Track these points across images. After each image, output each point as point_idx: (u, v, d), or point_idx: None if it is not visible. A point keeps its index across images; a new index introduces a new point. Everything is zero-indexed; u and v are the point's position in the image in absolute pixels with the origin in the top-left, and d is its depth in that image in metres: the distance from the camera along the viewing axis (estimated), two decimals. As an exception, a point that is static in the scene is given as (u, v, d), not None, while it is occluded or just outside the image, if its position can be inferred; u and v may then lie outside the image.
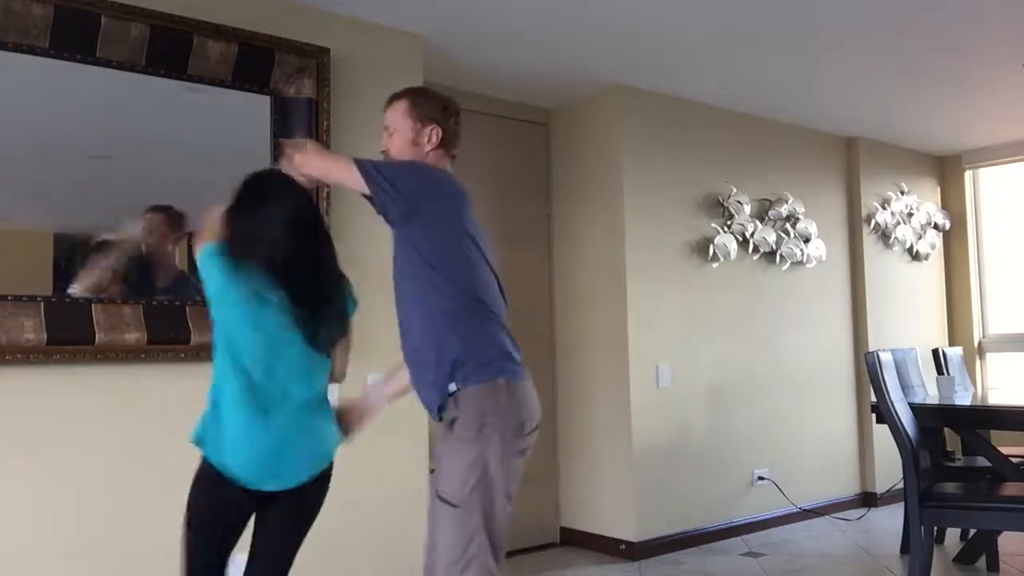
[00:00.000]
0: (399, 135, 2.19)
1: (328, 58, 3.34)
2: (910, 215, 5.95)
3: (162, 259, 2.98)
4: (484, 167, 4.58)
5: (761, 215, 5.08)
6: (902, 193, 5.92)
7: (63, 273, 2.77)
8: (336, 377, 2.22)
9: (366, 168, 2.02)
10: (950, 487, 3.63)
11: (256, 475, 2.00)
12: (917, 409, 3.73)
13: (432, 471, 2.15)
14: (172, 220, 2.96)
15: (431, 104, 2.21)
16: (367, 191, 2.02)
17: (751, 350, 5.01)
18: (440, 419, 2.10)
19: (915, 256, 6.00)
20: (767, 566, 4.17)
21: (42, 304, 2.68)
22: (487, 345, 2.05)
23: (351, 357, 2.24)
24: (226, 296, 2.03)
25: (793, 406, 5.21)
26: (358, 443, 3.22)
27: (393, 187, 2.01)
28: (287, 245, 2.05)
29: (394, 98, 2.23)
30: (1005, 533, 4.02)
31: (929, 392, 4.48)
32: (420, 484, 3.55)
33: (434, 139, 2.18)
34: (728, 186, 4.91)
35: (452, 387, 2.01)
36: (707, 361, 4.78)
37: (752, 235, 4.96)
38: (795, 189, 5.28)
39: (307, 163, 2.10)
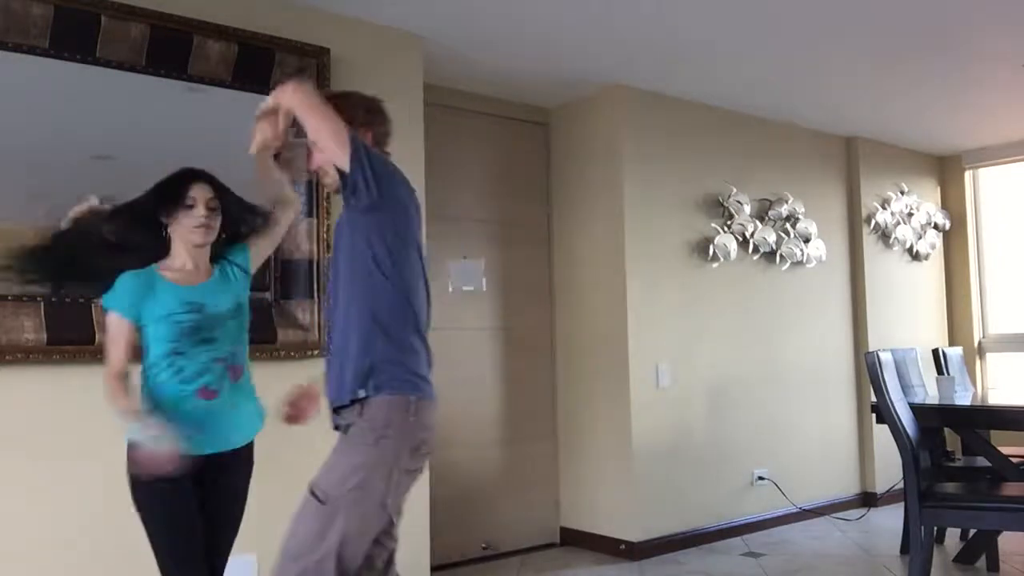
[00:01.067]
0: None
1: (328, 58, 3.34)
2: (910, 215, 5.95)
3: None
4: (484, 167, 4.59)
5: (761, 215, 5.08)
6: (902, 193, 5.92)
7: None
8: None
9: (358, 146, 1.98)
10: (950, 487, 3.63)
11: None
12: (917, 409, 3.73)
13: None
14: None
15: (354, 108, 2.12)
16: (346, 166, 1.96)
17: (751, 350, 5.01)
18: (337, 425, 2.05)
19: (915, 256, 6.00)
20: (767, 566, 4.17)
21: (42, 304, 2.69)
22: (409, 357, 2.03)
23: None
24: None
25: (793, 406, 5.21)
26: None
27: (374, 176, 1.98)
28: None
29: None
30: (1005, 533, 4.02)
31: (929, 392, 4.48)
32: (420, 483, 3.55)
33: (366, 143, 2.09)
34: (728, 186, 4.91)
35: (361, 392, 1.97)
36: (707, 361, 4.78)
37: (752, 235, 4.96)
38: (795, 189, 5.28)
39: (304, 104, 2.00)
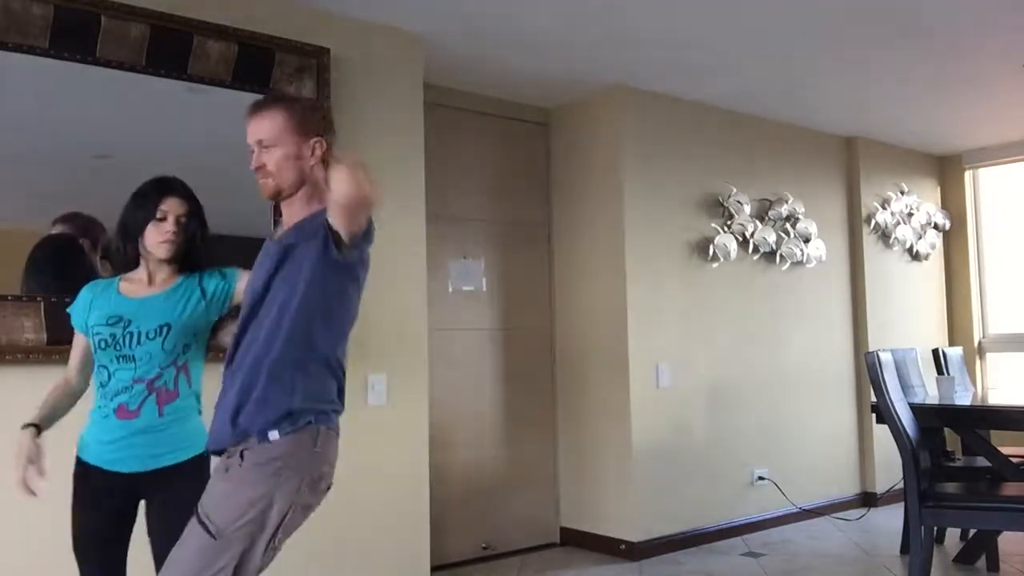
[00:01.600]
0: (279, 150, 1.94)
1: (328, 58, 3.34)
2: (910, 215, 5.95)
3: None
4: (484, 167, 4.59)
5: (761, 215, 5.08)
6: (902, 193, 5.92)
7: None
8: None
9: (371, 222, 1.90)
10: (950, 487, 3.63)
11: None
12: (917, 409, 3.73)
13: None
14: (83, 228, 2.85)
15: (313, 115, 2.00)
16: (343, 233, 1.83)
17: (751, 350, 5.01)
18: (221, 452, 1.89)
19: (915, 256, 6.00)
20: (767, 566, 4.17)
21: (42, 304, 2.69)
22: (321, 402, 1.90)
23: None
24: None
25: (793, 406, 5.21)
26: (359, 443, 3.23)
27: (367, 242, 1.91)
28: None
29: (262, 108, 1.98)
30: (1005, 533, 4.02)
31: (929, 392, 4.48)
32: (420, 483, 3.55)
33: (318, 152, 1.95)
34: (728, 186, 4.91)
35: (273, 434, 1.82)
36: (707, 361, 4.78)
37: (752, 235, 4.96)
38: (795, 189, 5.28)
39: (352, 180, 1.75)
